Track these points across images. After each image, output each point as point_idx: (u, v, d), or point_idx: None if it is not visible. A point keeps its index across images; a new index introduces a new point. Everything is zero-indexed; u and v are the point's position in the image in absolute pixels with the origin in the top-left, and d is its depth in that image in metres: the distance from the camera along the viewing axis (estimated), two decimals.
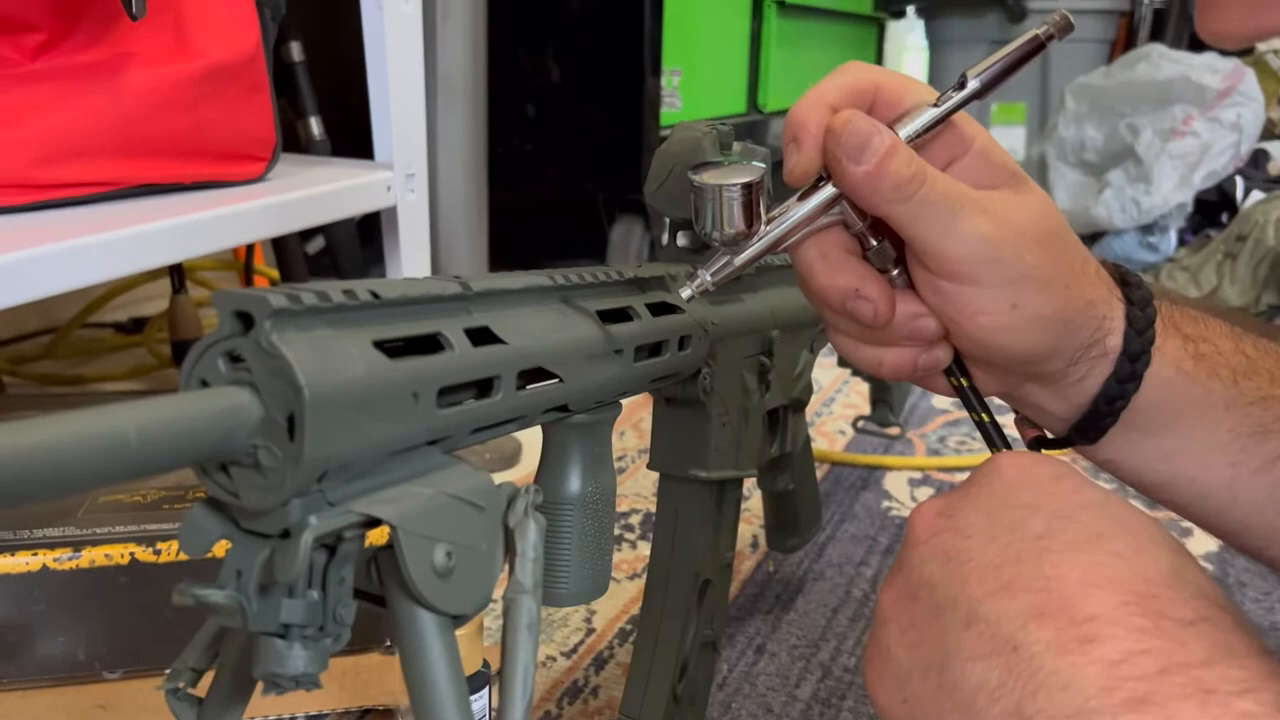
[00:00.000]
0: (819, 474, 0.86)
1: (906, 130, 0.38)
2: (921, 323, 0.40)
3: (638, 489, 0.87)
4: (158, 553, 0.57)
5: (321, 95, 1.12)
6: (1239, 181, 1.55)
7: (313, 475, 0.28)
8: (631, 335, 0.43)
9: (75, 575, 0.56)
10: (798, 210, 0.40)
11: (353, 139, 0.93)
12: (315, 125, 1.10)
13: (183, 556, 0.58)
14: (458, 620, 0.32)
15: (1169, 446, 0.43)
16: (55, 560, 0.55)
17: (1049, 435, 0.46)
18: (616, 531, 0.80)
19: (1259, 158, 1.59)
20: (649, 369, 0.45)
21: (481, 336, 0.35)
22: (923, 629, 0.32)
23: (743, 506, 0.59)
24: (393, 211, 0.81)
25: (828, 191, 0.39)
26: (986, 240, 0.37)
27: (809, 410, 0.87)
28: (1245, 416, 0.42)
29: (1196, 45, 1.90)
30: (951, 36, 2.52)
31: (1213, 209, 1.56)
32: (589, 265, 0.43)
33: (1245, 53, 1.77)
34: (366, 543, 0.32)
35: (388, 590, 0.32)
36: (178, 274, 1.00)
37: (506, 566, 0.34)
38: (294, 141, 1.08)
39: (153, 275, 1.04)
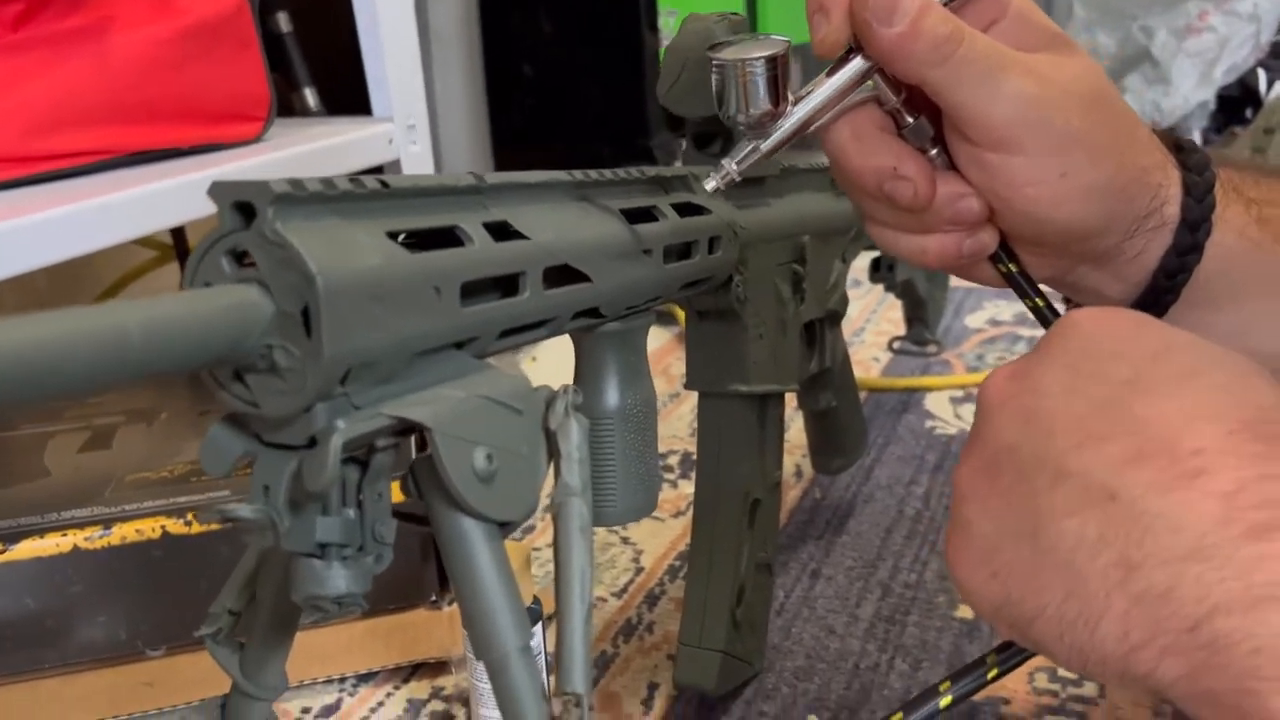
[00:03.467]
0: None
1: None
2: (965, 203, 0.37)
3: (673, 430, 0.84)
4: (189, 524, 0.55)
5: (315, 66, 1.10)
6: (1261, 74, 1.50)
7: (335, 375, 0.26)
8: (659, 235, 0.40)
9: (108, 554, 0.54)
10: (827, 85, 0.37)
11: (351, 109, 0.91)
12: (310, 95, 1.08)
13: (215, 526, 0.56)
14: (505, 528, 0.30)
15: (1238, 323, 0.40)
16: (86, 540, 0.54)
17: None
18: None
19: (1279, 48, 1.54)
20: (679, 271, 0.42)
21: (501, 231, 0.33)
22: (1007, 496, 0.29)
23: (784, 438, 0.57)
24: (396, 165, 0.78)
25: (858, 63, 0.36)
26: (1032, 102, 0.35)
27: None
28: None
29: None
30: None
31: (1236, 104, 1.51)
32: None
33: None
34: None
35: (429, 500, 0.30)
36: (185, 258, 0.98)
37: (551, 472, 0.32)
38: (290, 114, 1.06)
39: (159, 261, 1.02)
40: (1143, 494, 0.26)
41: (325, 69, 1.10)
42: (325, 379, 0.26)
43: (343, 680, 0.56)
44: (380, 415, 0.27)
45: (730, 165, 0.38)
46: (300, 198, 0.26)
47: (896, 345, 0.95)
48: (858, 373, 0.96)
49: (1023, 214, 0.37)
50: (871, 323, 1.12)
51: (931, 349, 0.94)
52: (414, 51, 0.82)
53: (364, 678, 0.57)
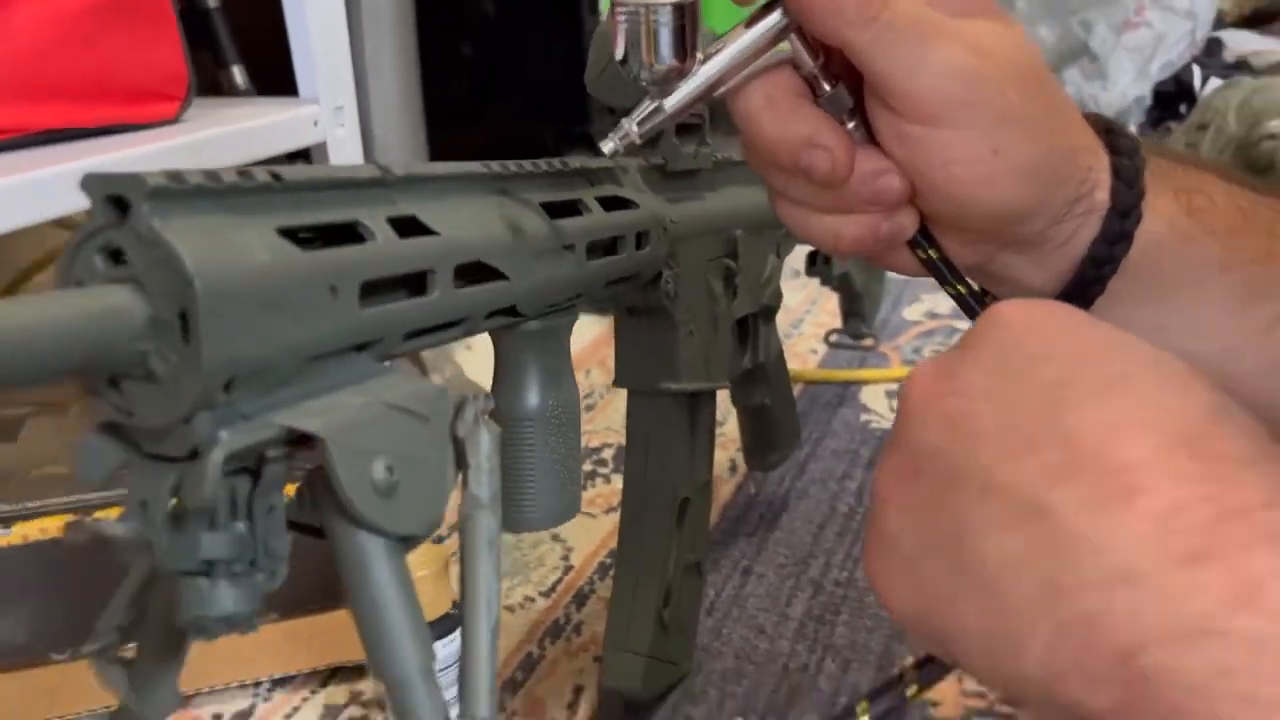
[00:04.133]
0: (794, 393, 0.83)
1: None
2: (885, 180, 0.35)
3: (608, 423, 0.83)
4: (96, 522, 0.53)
5: (245, 44, 1.06)
6: (1196, 70, 1.52)
7: (216, 383, 0.24)
8: (582, 229, 0.39)
9: (9, 553, 0.52)
10: (740, 42, 0.34)
11: (282, 89, 0.88)
12: (238, 74, 1.04)
13: None
14: (406, 543, 0.29)
15: (1163, 318, 0.39)
16: None
17: None
18: (589, 466, 0.77)
19: (1215, 45, 1.56)
20: (604, 268, 0.41)
21: (409, 227, 0.31)
22: (930, 506, 0.28)
23: (717, 431, 0.56)
24: (322, 148, 0.76)
25: (776, 18, 0.34)
26: (964, 74, 0.33)
27: (779, 330, 0.84)
28: (1244, 277, 0.38)
29: None
30: None
31: (1172, 99, 1.53)
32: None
33: None
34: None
35: (324, 515, 0.28)
36: None
37: (460, 483, 0.30)
38: (218, 93, 1.02)
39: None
40: (1073, 512, 0.25)
41: (255, 47, 1.07)
42: (206, 387, 0.24)
43: (257, 685, 0.54)
44: (269, 425, 0.26)
45: (630, 126, 0.36)
46: (180, 191, 0.24)
47: (833, 338, 0.94)
48: (795, 365, 0.96)
49: (947, 194, 0.35)
50: (810, 314, 1.12)
51: (868, 342, 0.93)
52: (342, 30, 0.79)
53: (279, 681, 0.55)
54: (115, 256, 0.24)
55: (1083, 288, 0.38)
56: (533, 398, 0.40)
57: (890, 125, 0.34)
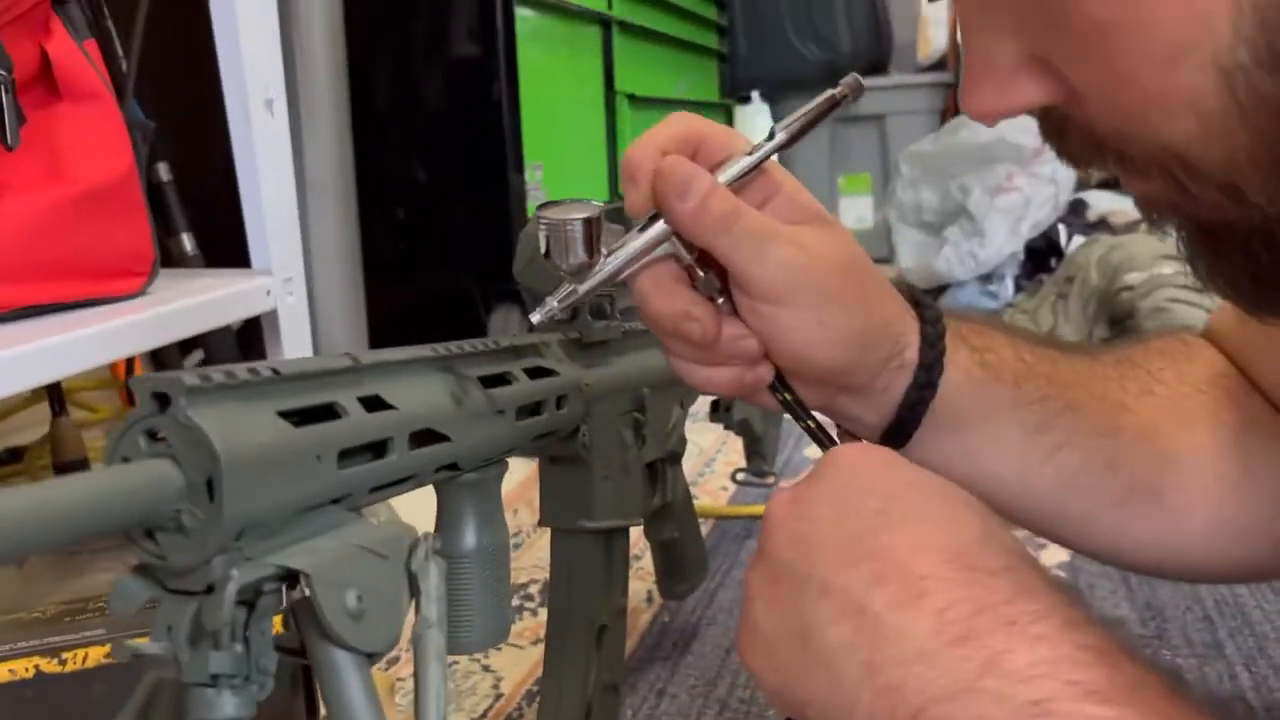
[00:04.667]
0: (706, 529, 0.91)
1: (726, 175, 0.44)
2: (744, 343, 0.45)
3: (535, 560, 0.90)
4: (63, 663, 0.58)
5: (192, 212, 1.15)
6: (1062, 229, 1.70)
7: (231, 533, 0.32)
8: (511, 397, 0.48)
9: None
10: (634, 243, 0.45)
11: (226, 253, 0.96)
12: (188, 241, 1.13)
13: (89, 664, 0.59)
14: (371, 658, 0.36)
15: (968, 445, 0.49)
16: None
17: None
18: (518, 601, 0.83)
19: (1078, 206, 1.75)
20: (530, 427, 0.49)
21: (374, 403, 0.39)
22: (785, 603, 0.37)
23: (636, 565, 0.64)
24: (273, 315, 0.84)
25: (660, 227, 0.44)
26: (795, 266, 0.44)
27: (692, 471, 0.92)
28: (1029, 414, 0.49)
29: None
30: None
31: (1042, 255, 1.70)
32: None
33: None
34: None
35: (306, 636, 0.35)
36: (57, 397, 1.00)
37: (413, 608, 0.38)
38: (167, 259, 1.10)
39: (28, 402, 1.04)
40: (884, 609, 0.34)
41: (202, 215, 1.15)
42: (224, 536, 0.32)
43: None
44: (268, 564, 0.33)
45: (552, 303, 0.46)
46: (207, 389, 0.32)
47: (740, 476, 1.03)
48: (708, 500, 1.04)
49: (788, 354, 0.45)
50: (721, 454, 1.21)
51: (770, 480, 1.02)
52: (292, 205, 0.88)
53: None
54: (153, 437, 0.32)
55: (903, 424, 0.48)
56: (470, 538, 0.48)
57: (746, 304, 0.45)
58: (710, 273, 0.45)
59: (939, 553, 0.35)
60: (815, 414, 0.48)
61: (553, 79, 1.65)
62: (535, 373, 0.51)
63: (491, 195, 1.51)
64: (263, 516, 0.33)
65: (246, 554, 0.33)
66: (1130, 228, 1.71)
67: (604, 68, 1.84)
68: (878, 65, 2.67)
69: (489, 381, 0.47)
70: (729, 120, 2.72)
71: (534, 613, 0.82)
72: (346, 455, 0.37)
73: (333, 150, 1.16)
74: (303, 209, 1.09)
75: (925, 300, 0.50)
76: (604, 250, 0.45)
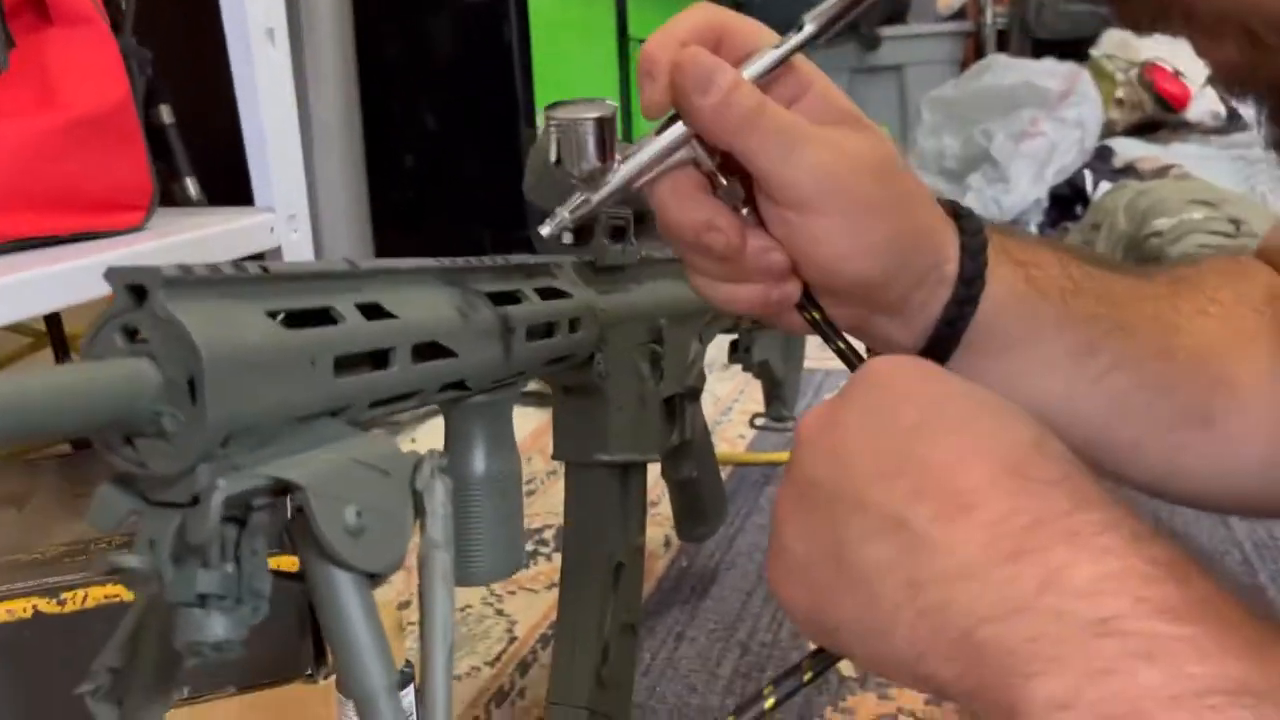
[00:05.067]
0: (724, 476, 0.89)
1: (751, 70, 0.40)
2: (771, 256, 0.42)
3: (549, 506, 0.88)
4: (62, 603, 0.56)
5: (196, 156, 1.12)
6: (1088, 175, 1.65)
7: (216, 438, 0.29)
8: (522, 315, 0.45)
9: None
10: (651, 146, 0.41)
11: (232, 199, 0.93)
12: (191, 185, 1.10)
13: (89, 604, 0.57)
14: (373, 580, 0.33)
15: (1009, 368, 0.46)
16: None
17: None
18: (532, 546, 0.81)
19: (1104, 152, 1.70)
20: (543, 349, 0.47)
21: (373, 312, 0.36)
22: (817, 522, 0.34)
23: (653, 510, 0.61)
24: (277, 253, 0.81)
25: (679, 128, 0.41)
26: (826, 169, 0.40)
27: (709, 419, 0.89)
28: (1076, 334, 0.45)
29: (1037, 53, 2.03)
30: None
31: (1067, 202, 1.66)
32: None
33: (1080, 57, 1.90)
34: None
35: (302, 555, 0.33)
36: (60, 343, 0.98)
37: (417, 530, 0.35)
38: (171, 203, 1.07)
39: (32, 347, 1.02)
40: (926, 524, 0.31)
41: (206, 159, 1.13)
42: (207, 442, 0.29)
43: None
44: (258, 475, 0.31)
45: (564, 214, 0.42)
46: (187, 281, 0.29)
47: (758, 422, 1.00)
48: (725, 448, 1.02)
49: (819, 267, 0.42)
50: (739, 402, 1.18)
51: (790, 425, 1.00)
52: (296, 143, 0.85)
53: None
54: (131, 335, 0.30)
55: (940, 344, 0.45)
56: (479, 464, 0.45)
57: (773, 213, 0.41)
58: (734, 179, 0.42)
59: (987, 463, 0.32)
60: (846, 336, 0.45)
61: (565, 24, 1.61)
62: (547, 293, 0.48)
63: (502, 143, 1.47)
64: (251, 422, 0.30)
65: (234, 463, 0.31)
66: (1159, 173, 1.66)
67: (617, 13, 1.79)
68: (896, 15, 2.61)
69: (498, 299, 0.44)
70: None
71: (548, 558, 0.80)
72: (344, 365, 0.34)
73: (338, 90, 1.13)
74: (308, 152, 1.06)
75: (966, 210, 0.46)
76: (618, 156, 0.42)
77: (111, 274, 0.29)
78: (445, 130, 1.49)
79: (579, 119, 0.40)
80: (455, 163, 1.49)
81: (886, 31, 2.50)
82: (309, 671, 0.59)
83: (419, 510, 0.35)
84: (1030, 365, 0.45)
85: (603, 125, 0.41)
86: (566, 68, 1.59)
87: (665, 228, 0.43)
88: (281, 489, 0.32)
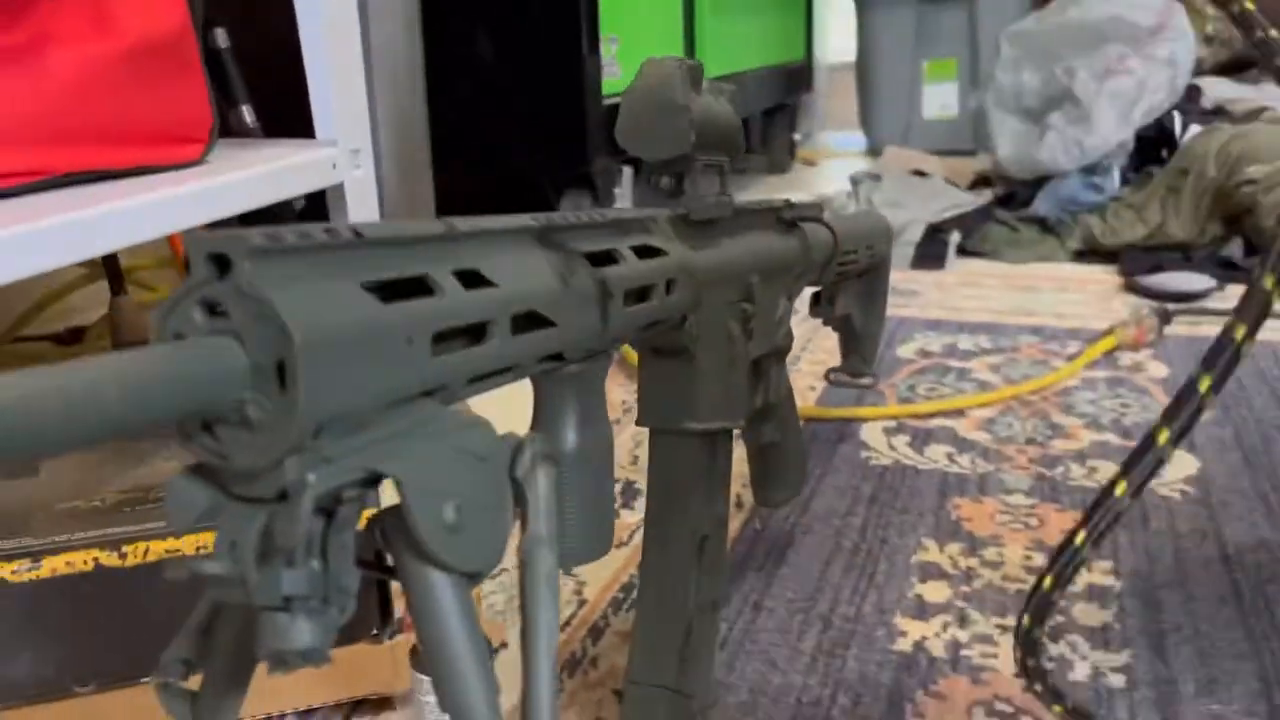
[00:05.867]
0: None
1: None
2: None
3: (618, 459, 0.85)
4: (123, 556, 0.54)
5: (251, 83, 1.08)
6: (1177, 117, 1.57)
7: (307, 429, 0.26)
8: (620, 278, 0.41)
9: (36, 586, 0.53)
10: None
11: (288, 129, 0.89)
12: (247, 114, 1.06)
13: (150, 558, 0.55)
14: (473, 579, 0.30)
15: None
16: (14, 572, 0.52)
17: None
18: None
19: (1192, 92, 1.61)
20: (639, 314, 0.43)
21: (472, 279, 0.33)
22: None
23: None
24: (339, 189, 0.78)
25: None
26: None
27: None
28: None
29: None
30: None
31: (1153, 145, 1.58)
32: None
33: None
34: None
35: (396, 553, 0.30)
36: (116, 276, 0.96)
37: (519, 522, 0.32)
38: (226, 132, 1.04)
39: (88, 279, 1.00)
40: None
41: (262, 86, 1.09)
42: (298, 433, 0.26)
43: (281, 717, 0.55)
44: (353, 468, 0.27)
45: None
46: (276, 250, 0.26)
47: (833, 376, 0.96)
48: (796, 402, 0.98)
49: None
50: (807, 351, 1.14)
51: (866, 381, 0.95)
52: (359, 75, 0.81)
53: (303, 715, 0.56)
54: (212, 310, 0.26)
55: None
56: (571, 437, 0.42)
57: None
58: None
59: None
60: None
61: None
62: (643, 252, 0.44)
63: (564, 71, 1.41)
64: (345, 410, 0.27)
65: (325, 455, 0.27)
66: (1251, 116, 1.57)
67: None
68: None
69: (595, 260, 0.40)
70: (808, 11, 2.57)
71: (616, 514, 0.77)
72: (441, 339, 0.31)
73: (399, 20, 1.08)
74: (369, 84, 1.02)
75: None
76: None
77: (191, 240, 0.26)
78: (505, 60, 1.44)
79: None
80: (516, 93, 1.44)
81: None
82: (374, 631, 0.57)
83: (519, 500, 0.32)
84: None
85: None
86: None
87: None
88: (376, 480, 0.28)
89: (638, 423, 0.53)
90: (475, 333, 0.33)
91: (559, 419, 0.42)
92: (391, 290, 0.30)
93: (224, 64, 1.05)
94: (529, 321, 0.35)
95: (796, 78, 2.48)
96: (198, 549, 0.55)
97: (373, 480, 0.28)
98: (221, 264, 0.26)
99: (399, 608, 0.60)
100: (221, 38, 1.05)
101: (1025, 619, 0.36)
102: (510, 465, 0.32)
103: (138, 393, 0.23)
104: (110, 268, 0.96)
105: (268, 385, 0.25)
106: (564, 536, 0.42)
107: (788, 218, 0.63)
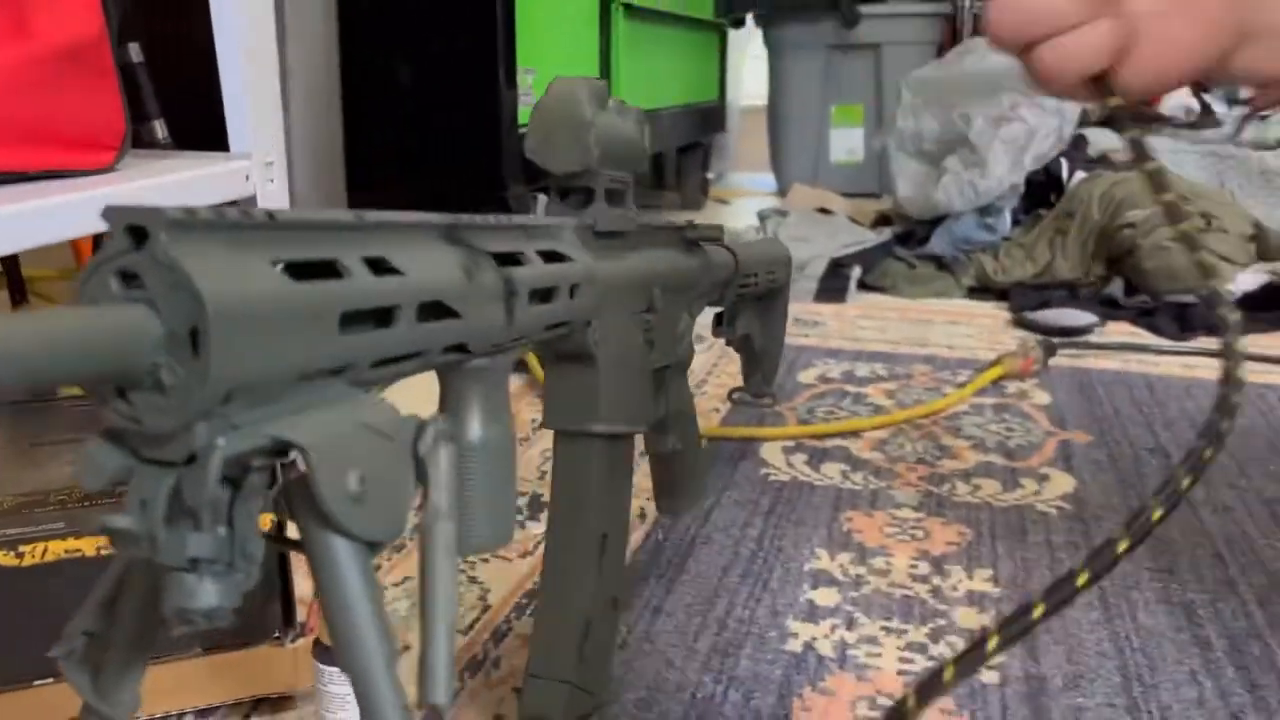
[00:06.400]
0: None
1: None
2: None
3: (522, 473, 0.86)
4: (20, 556, 0.54)
5: (165, 100, 1.08)
6: (1064, 163, 1.66)
7: (217, 394, 0.28)
8: (525, 278, 0.43)
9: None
10: None
11: (200, 143, 0.90)
12: (159, 128, 1.06)
13: (49, 558, 0.55)
14: (374, 548, 0.32)
15: None
16: None
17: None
18: None
19: (1079, 141, 1.70)
20: (544, 314, 0.45)
21: (379, 266, 0.34)
22: None
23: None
24: (252, 201, 0.78)
25: None
26: None
27: None
28: None
29: None
30: (788, 43, 2.61)
31: (1042, 189, 1.66)
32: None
33: None
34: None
35: (301, 520, 0.31)
36: (18, 284, 0.94)
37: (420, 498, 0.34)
38: (139, 145, 1.03)
39: None
40: None
41: (175, 101, 1.08)
42: (208, 398, 0.27)
43: (180, 716, 0.55)
44: (261, 435, 0.29)
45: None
46: (192, 224, 0.27)
47: (736, 396, 1.00)
48: (700, 423, 1.01)
49: None
50: (713, 375, 1.17)
51: (767, 401, 0.99)
52: (275, 89, 0.82)
53: (202, 713, 0.56)
54: (128, 280, 0.28)
55: None
56: (475, 429, 0.44)
57: None
58: None
59: None
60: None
61: None
62: (549, 256, 0.46)
63: (481, 100, 1.44)
64: (253, 379, 0.29)
65: (234, 422, 0.29)
66: (1131, 165, 1.67)
67: None
68: None
69: (501, 260, 0.42)
70: (722, 43, 2.64)
71: (522, 525, 0.78)
72: (349, 321, 0.33)
73: (318, 42, 1.09)
74: (284, 100, 1.03)
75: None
76: None
77: (110, 212, 0.27)
78: (423, 86, 1.45)
79: None
80: (433, 118, 1.45)
81: (866, 9, 2.48)
82: (276, 635, 0.58)
83: (421, 477, 0.34)
84: None
85: None
86: (548, 23, 1.55)
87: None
88: (282, 450, 0.30)
89: (543, 424, 0.55)
90: (382, 317, 0.35)
91: (463, 411, 0.44)
92: (302, 271, 0.31)
93: (137, 78, 1.05)
94: (435, 311, 0.37)
95: (710, 118, 2.54)
96: (98, 550, 0.55)
97: (279, 449, 0.30)
98: (139, 236, 0.27)
99: (301, 613, 0.60)
100: (134, 52, 1.05)
101: (910, 698, 0.37)
102: (413, 443, 0.33)
103: (53, 345, 0.24)
104: (12, 276, 0.94)
105: (181, 351, 0.27)
106: (467, 524, 0.44)
107: (690, 237, 0.66)
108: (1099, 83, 0.45)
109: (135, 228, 0.27)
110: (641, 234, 0.59)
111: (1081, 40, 0.43)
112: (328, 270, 0.32)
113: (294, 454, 0.30)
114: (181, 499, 0.28)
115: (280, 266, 0.30)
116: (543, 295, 0.45)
